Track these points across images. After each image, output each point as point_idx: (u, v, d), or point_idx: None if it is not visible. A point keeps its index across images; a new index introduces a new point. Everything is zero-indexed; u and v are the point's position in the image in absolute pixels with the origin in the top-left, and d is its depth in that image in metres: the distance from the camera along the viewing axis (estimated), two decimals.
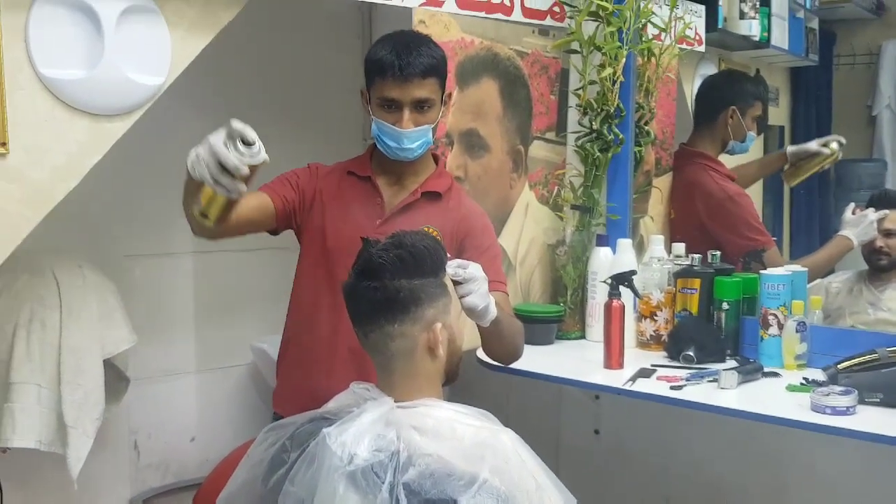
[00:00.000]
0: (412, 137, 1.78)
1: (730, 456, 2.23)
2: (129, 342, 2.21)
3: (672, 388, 1.92)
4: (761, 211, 3.53)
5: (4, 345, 2.05)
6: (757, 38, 2.94)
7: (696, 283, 2.21)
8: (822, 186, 3.58)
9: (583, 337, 2.41)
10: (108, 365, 2.19)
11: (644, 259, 2.33)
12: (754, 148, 3.44)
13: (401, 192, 1.87)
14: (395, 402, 1.44)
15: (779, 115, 3.67)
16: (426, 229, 1.76)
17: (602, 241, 2.35)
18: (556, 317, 2.37)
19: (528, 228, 2.39)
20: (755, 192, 3.52)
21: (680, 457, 2.33)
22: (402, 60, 1.72)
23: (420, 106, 1.77)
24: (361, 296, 1.45)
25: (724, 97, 2.69)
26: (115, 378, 2.25)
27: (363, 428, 1.39)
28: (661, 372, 2.04)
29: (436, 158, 1.92)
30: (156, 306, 2.51)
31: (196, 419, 2.63)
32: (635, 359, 2.15)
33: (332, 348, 1.81)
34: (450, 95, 1.85)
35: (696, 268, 2.24)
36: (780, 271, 2.16)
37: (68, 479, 2.06)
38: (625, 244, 2.31)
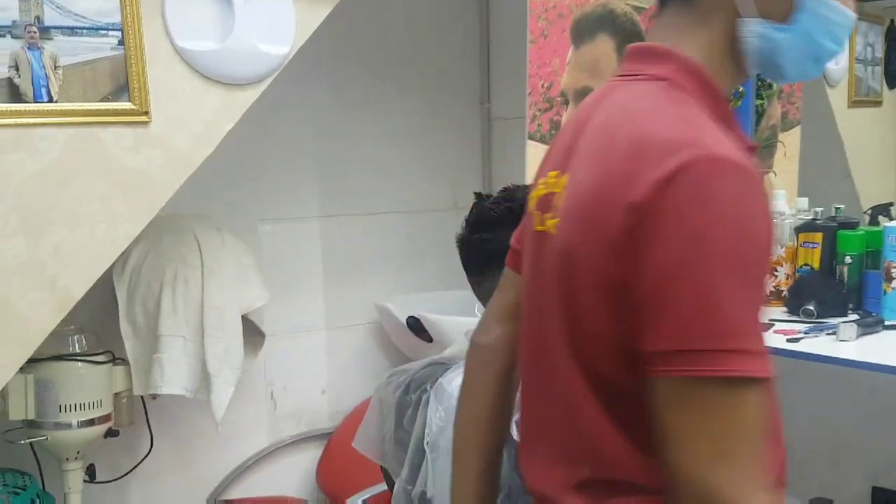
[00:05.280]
0: None
1: (851, 410, 2.20)
2: (263, 299, 2.35)
3: (788, 340, 1.90)
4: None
5: (152, 300, 2.22)
6: None
7: (819, 237, 2.17)
8: None
9: None
10: (246, 321, 2.33)
11: None
12: (885, 106, 3.33)
13: None
14: None
15: None
16: None
17: None
18: None
19: None
20: (887, 146, 3.40)
21: (799, 412, 2.29)
22: None
23: None
24: (474, 247, 1.53)
25: None
26: (253, 333, 2.40)
27: None
28: (778, 326, 2.02)
29: None
30: (287, 267, 2.65)
31: (326, 373, 2.77)
32: None
33: None
34: None
35: (818, 221, 2.20)
36: None
37: (211, 425, 2.23)
38: None
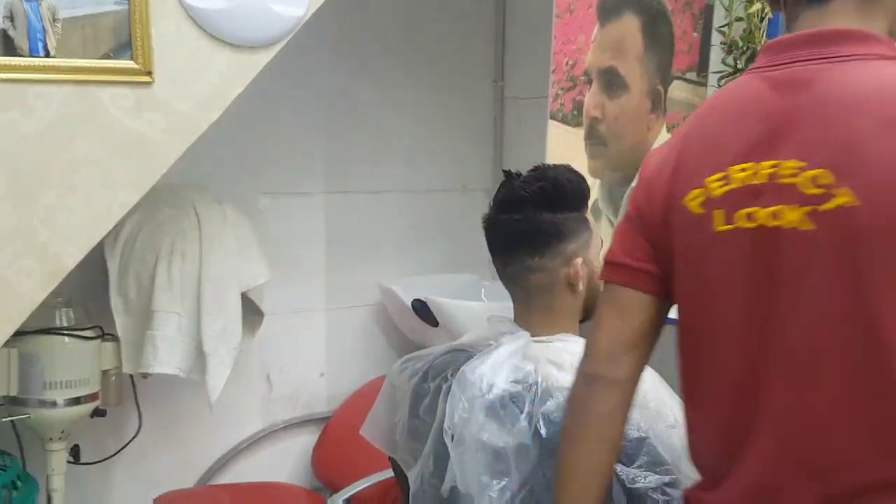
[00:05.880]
0: None
1: None
2: (264, 277, 2.25)
3: None
4: None
5: (146, 274, 2.10)
6: None
7: None
8: None
9: None
10: (245, 299, 2.23)
11: None
12: None
13: None
14: (531, 336, 1.42)
15: None
16: None
17: None
18: None
19: None
20: None
21: None
22: None
23: None
24: (502, 228, 1.43)
25: None
26: (251, 312, 2.30)
27: (501, 360, 1.38)
28: None
29: None
30: (287, 244, 2.54)
31: (325, 355, 2.67)
32: None
33: None
34: None
35: None
36: None
37: (203, 406, 2.13)
38: None
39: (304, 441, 2.64)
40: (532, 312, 1.44)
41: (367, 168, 2.66)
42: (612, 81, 2.14)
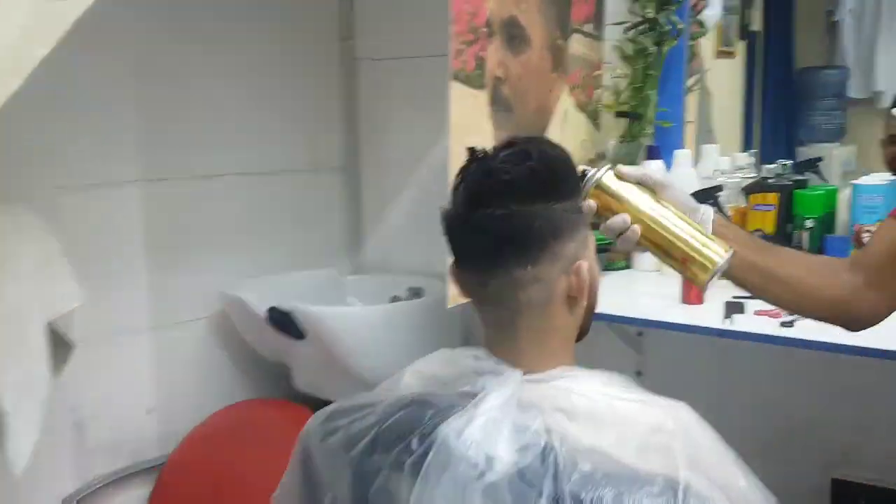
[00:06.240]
0: None
1: (803, 392, 1.97)
2: (76, 299, 1.74)
3: (783, 324, 1.61)
4: (740, 119, 3.31)
5: None
6: None
7: (773, 198, 1.92)
8: (787, 94, 3.41)
9: (628, 267, 2.09)
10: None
11: (703, 172, 2.01)
12: (737, 58, 3.21)
13: None
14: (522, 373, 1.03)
15: (758, 19, 3.45)
16: None
17: (653, 153, 1.99)
18: (605, 245, 2.00)
19: (566, 141, 1.98)
20: (735, 98, 3.28)
21: (742, 397, 2.04)
22: None
23: None
24: (478, 228, 1.03)
25: None
26: (55, 344, 1.76)
27: (494, 416, 1.00)
28: (753, 305, 1.71)
29: None
30: (96, 250, 2.01)
31: (152, 387, 2.16)
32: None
33: None
34: None
35: (771, 180, 1.93)
36: (876, 180, 1.87)
37: None
38: (683, 156, 1.98)
39: (135, 498, 2.14)
40: (520, 341, 1.06)
41: (193, 148, 2.19)
42: (514, 34, 1.80)
